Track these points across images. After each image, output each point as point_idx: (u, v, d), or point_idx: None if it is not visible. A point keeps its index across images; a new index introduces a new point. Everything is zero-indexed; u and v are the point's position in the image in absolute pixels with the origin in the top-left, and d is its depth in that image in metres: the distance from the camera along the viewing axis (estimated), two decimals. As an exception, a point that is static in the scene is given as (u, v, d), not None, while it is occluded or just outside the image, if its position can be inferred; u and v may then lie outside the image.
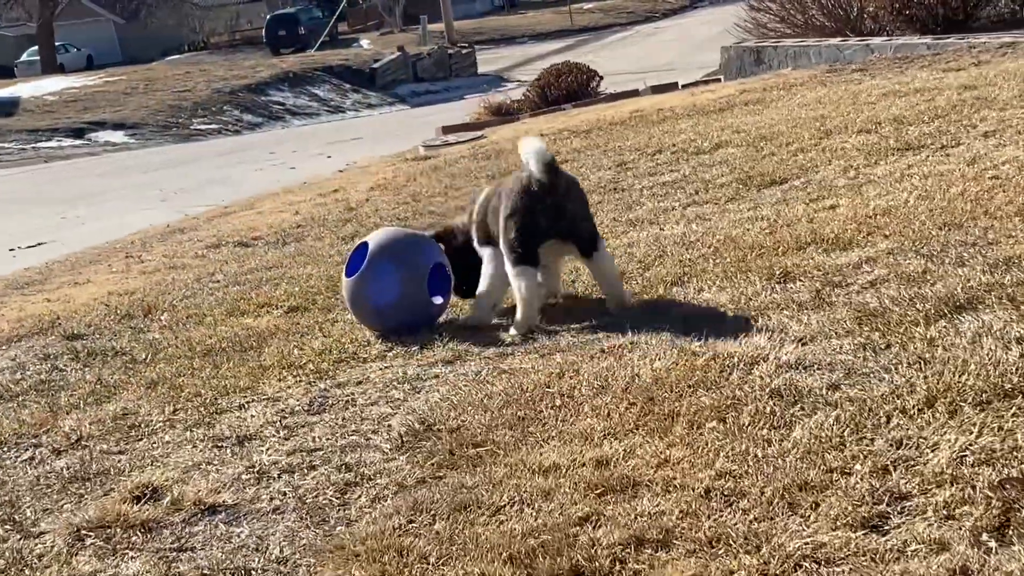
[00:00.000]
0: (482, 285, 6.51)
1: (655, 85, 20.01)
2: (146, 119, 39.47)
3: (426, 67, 52.23)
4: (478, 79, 52.28)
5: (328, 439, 5.06)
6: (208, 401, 5.85)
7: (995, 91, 10.62)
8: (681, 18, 71.52)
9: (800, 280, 6.13)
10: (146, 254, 10.90)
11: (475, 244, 6.60)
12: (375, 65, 50.09)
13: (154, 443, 5.41)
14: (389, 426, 5.10)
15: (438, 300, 6.65)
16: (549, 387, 5.14)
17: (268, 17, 72.05)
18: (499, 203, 6.27)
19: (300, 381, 5.96)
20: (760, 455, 4.14)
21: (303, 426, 5.29)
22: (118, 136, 37.54)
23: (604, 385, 5.05)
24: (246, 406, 5.70)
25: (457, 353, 5.98)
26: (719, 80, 19.46)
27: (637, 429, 4.55)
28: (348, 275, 6.59)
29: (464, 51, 55.69)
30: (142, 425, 5.68)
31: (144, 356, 6.97)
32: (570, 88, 20.01)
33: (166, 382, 6.31)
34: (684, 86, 19.21)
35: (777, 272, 6.29)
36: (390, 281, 6.43)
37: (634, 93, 19.14)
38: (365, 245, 6.58)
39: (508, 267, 6.24)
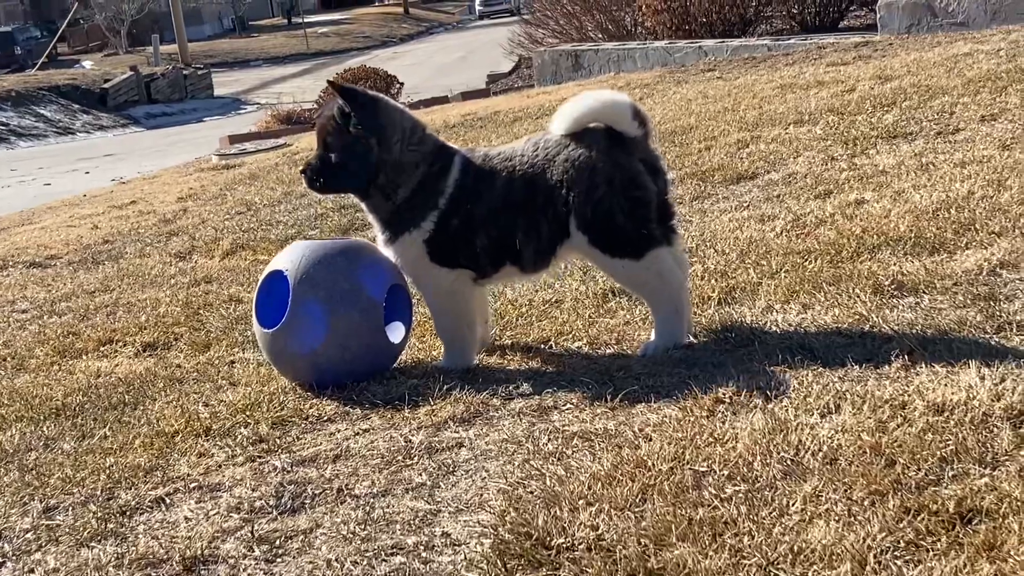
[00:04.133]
0: (449, 312, 4.55)
1: (464, 92, 18.24)
2: None
3: (161, 88, 49.35)
4: (215, 101, 49.83)
5: (358, 565, 3.03)
6: (101, 493, 3.72)
7: (929, 80, 9.17)
8: (418, 43, 70.34)
9: (927, 293, 4.41)
10: (-90, 277, 8.46)
11: (420, 257, 4.50)
12: (106, 85, 46.93)
13: (32, 571, 3.27)
14: (448, 536, 3.10)
15: (399, 335, 4.66)
16: (692, 463, 3.23)
17: (-19, 35, 67.38)
18: (576, 175, 4.31)
19: (237, 455, 3.89)
20: None
21: (290, 536, 3.23)
22: None
23: (788, 458, 3.17)
24: (169, 500, 3.61)
25: (471, 407, 4.01)
26: (532, 87, 17.79)
27: (931, 549, 2.69)
28: (264, 323, 4.51)
29: (200, 72, 53.04)
30: (2, 534, 3.53)
31: (-43, 419, 4.77)
32: (369, 95, 18.01)
33: (11, 459, 4.15)
34: (496, 93, 17.48)
35: (886, 282, 4.54)
36: (331, 329, 4.39)
37: (443, 100, 17.31)
38: (281, 277, 4.48)
39: (617, 263, 4.35)
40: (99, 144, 31.34)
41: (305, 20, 74.04)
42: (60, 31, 66.51)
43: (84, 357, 5.59)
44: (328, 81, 4.92)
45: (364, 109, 4.44)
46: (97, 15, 68.79)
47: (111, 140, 35.22)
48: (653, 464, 3.24)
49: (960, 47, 10.70)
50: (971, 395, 3.35)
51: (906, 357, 3.75)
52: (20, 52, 64.26)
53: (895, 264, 4.77)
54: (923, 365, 3.68)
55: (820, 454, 3.15)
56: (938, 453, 3.04)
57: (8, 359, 5.71)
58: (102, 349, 5.69)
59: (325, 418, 4.17)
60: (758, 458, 3.17)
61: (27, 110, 43.08)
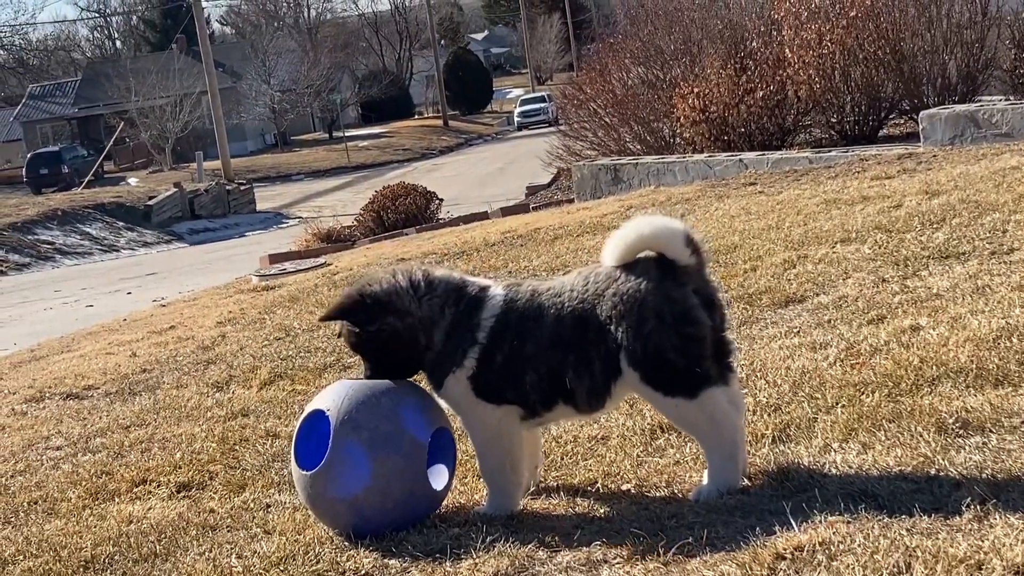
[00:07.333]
0: (496, 452, 4.36)
1: (504, 207, 18.20)
2: (-99, 256, 36.05)
3: (204, 204, 49.72)
4: (257, 216, 50.11)
5: None
6: (126, 661, 3.54)
7: (978, 195, 9.00)
8: (458, 155, 70.83)
9: (994, 431, 4.19)
10: (-56, 411, 8.36)
11: (466, 394, 4.36)
12: (150, 202, 47.34)
13: None
14: None
15: (442, 480, 4.47)
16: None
17: (29, 155, 68.15)
18: (624, 310, 4.15)
19: (270, 617, 3.71)
20: None
21: None
22: None
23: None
24: (197, 671, 3.42)
25: (516, 561, 3.81)
26: (571, 201, 17.74)
27: None
28: (303, 466, 4.34)
29: (242, 187, 53.41)
30: None
31: (-17, 572, 4.61)
32: (409, 212, 17.99)
33: (36, 621, 3.98)
34: (535, 207, 17.43)
35: (950, 420, 4.33)
36: (373, 473, 4.22)
37: (482, 216, 17.25)
38: (322, 417, 4.32)
39: (669, 401, 4.18)
40: (143, 261, 31.55)
41: (346, 134, 74.73)
42: (106, 150, 67.37)
43: (116, 499, 5.43)
44: (319, 319, 5.17)
45: (364, 311, 4.39)
46: (142, 133, 69.62)
47: (155, 257, 35.43)
48: (713, 633, 3.03)
49: (1007, 160, 10.53)
50: (1054, 555, 3.13)
51: (978, 507, 3.54)
52: (67, 171, 64.96)
53: (958, 399, 4.56)
54: (997, 516, 3.47)
55: (892, 621, 2.94)
56: (1021, 622, 2.82)
57: (40, 502, 5.57)
58: (135, 491, 5.54)
59: (363, 572, 3.98)
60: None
61: (73, 228, 43.44)
